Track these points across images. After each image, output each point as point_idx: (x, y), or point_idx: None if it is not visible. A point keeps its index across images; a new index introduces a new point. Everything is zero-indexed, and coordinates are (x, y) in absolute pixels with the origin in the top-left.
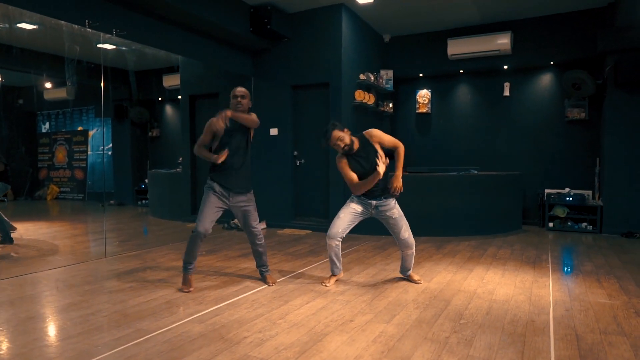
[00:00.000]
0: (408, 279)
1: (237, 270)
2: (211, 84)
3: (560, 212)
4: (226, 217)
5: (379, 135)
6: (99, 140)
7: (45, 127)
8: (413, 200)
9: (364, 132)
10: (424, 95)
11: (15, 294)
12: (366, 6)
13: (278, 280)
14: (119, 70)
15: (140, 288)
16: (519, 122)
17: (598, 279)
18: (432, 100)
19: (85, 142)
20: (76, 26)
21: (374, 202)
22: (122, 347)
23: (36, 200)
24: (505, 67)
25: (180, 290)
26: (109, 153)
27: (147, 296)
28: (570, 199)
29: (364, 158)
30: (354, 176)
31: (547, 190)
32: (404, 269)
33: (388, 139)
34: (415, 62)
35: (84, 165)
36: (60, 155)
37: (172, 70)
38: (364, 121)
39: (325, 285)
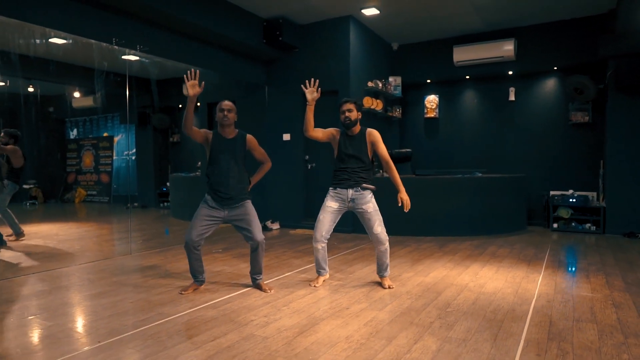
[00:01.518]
0: (380, 283)
1: (248, 266)
2: (227, 93)
3: (564, 213)
4: None
5: (377, 139)
6: (123, 145)
7: (73, 134)
8: (418, 202)
9: (368, 128)
10: (432, 100)
11: (52, 284)
12: (373, 17)
13: (286, 274)
14: (142, 80)
15: (162, 280)
16: (524, 126)
17: (587, 275)
18: (440, 105)
19: (111, 148)
20: (104, 44)
21: (350, 192)
22: (146, 327)
23: (65, 202)
24: (510, 72)
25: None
26: (133, 158)
27: (168, 287)
28: (574, 200)
29: (353, 144)
30: (316, 130)
31: (552, 192)
32: (379, 268)
33: (383, 148)
34: (423, 68)
35: (110, 169)
36: (88, 160)
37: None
38: (373, 126)
39: (315, 286)
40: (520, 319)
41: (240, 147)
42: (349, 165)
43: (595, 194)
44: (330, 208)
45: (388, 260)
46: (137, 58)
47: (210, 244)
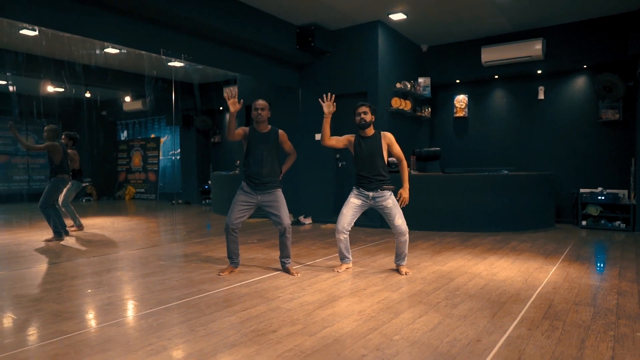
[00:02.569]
0: (398, 270)
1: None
2: (264, 95)
3: (593, 210)
4: None
5: (392, 140)
6: (169, 146)
7: (124, 135)
8: (445, 198)
9: (382, 131)
10: (461, 100)
11: (108, 266)
12: (400, 22)
13: (314, 261)
14: (186, 84)
15: (203, 264)
16: (554, 124)
17: (602, 267)
18: (469, 104)
19: (158, 148)
20: (154, 55)
21: (370, 194)
22: (189, 299)
23: (116, 200)
24: (539, 71)
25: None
26: (177, 157)
27: (208, 269)
28: (603, 197)
29: (368, 145)
30: (331, 138)
31: (581, 190)
32: (398, 256)
33: (397, 148)
34: (452, 69)
35: (156, 168)
36: (137, 159)
37: (233, 82)
38: (402, 126)
39: (338, 271)
40: (522, 302)
41: (274, 140)
42: (367, 167)
43: (625, 191)
44: (354, 204)
45: (407, 251)
46: (182, 64)
47: (247, 236)
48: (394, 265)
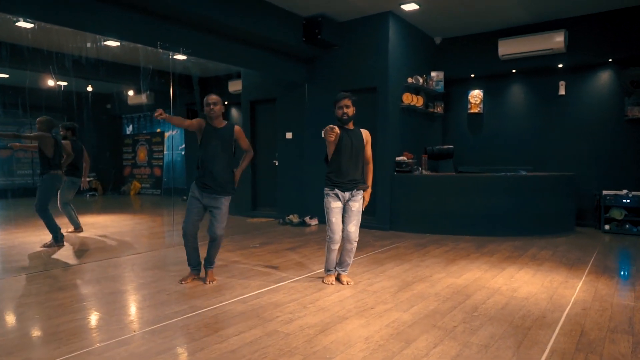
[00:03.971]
0: (338, 278)
1: (283, 262)
2: (269, 90)
3: (617, 214)
4: (281, 213)
5: (369, 141)
6: (178, 140)
7: (129, 129)
8: (459, 200)
9: (361, 128)
10: (476, 95)
11: (101, 274)
12: (413, 12)
13: (317, 271)
14: (187, 78)
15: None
16: (575, 122)
17: (633, 282)
18: (485, 100)
19: (162, 143)
20: (150, 48)
21: (347, 195)
22: (178, 319)
23: (121, 195)
24: (560, 65)
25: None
26: (183, 153)
27: (202, 281)
28: (628, 200)
29: (353, 139)
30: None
31: (604, 192)
32: (341, 264)
33: (370, 150)
34: (467, 63)
35: (161, 163)
36: (142, 154)
37: (237, 76)
38: (413, 123)
39: (331, 284)
40: (550, 327)
41: (228, 136)
42: (348, 164)
43: None
44: (337, 208)
45: (351, 260)
46: (182, 58)
47: (249, 239)
48: (404, 277)
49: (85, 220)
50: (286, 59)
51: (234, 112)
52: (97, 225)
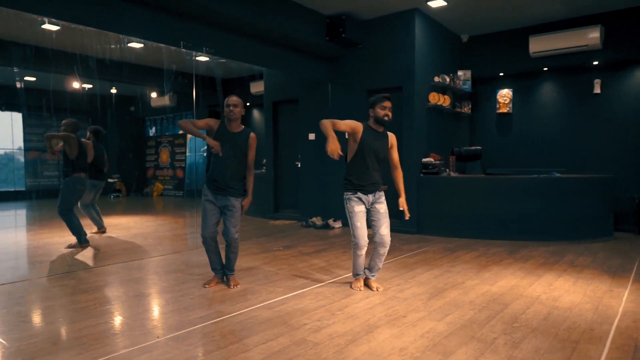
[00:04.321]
0: (367, 284)
1: (308, 265)
2: (291, 91)
3: None
4: (304, 215)
5: (395, 143)
6: (198, 142)
7: (152, 131)
8: (489, 203)
9: (387, 132)
10: (504, 94)
11: (124, 276)
12: (440, 9)
13: (344, 276)
14: (212, 79)
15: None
16: (612, 122)
17: None
18: (514, 99)
19: (185, 145)
20: (173, 47)
21: (370, 198)
22: (203, 324)
23: (144, 196)
24: (595, 62)
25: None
26: (205, 154)
27: (228, 284)
28: None
29: (380, 142)
30: (341, 125)
31: None
32: (371, 268)
33: (397, 153)
34: (495, 61)
35: (184, 165)
36: (164, 156)
37: (259, 77)
38: (439, 123)
39: (360, 289)
40: (599, 341)
41: (243, 142)
42: (373, 167)
43: None
44: (362, 212)
45: (382, 264)
46: (205, 59)
47: (272, 241)
48: (435, 283)
49: (109, 221)
50: (309, 58)
51: (256, 113)
52: (121, 226)
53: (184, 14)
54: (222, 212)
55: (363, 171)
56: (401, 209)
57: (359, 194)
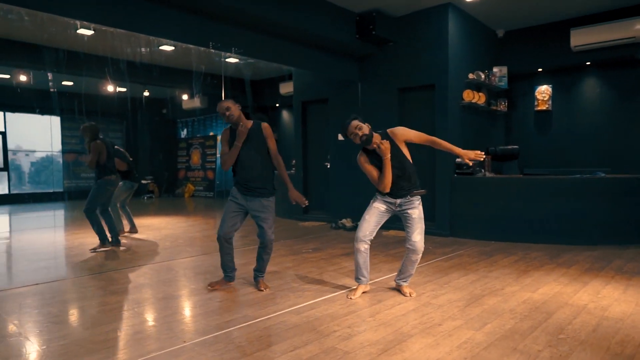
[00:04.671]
0: (399, 289)
1: (338, 268)
2: (320, 90)
3: None
4: (334, 217)
5: (403, 134)
6: None
7: (183, 133)
8: (527, 204)
9: (387, 129)
10: (543, 91)
11: (154, 278)
12: (475, 3)
13: (375, 280)
14: (241, 80)
15: (250, 280)
16: None
17: None
18: (553, 96)
19: (215, 146)
20: (202, 49)
21: (398, 201)
22: (229, 329)
23: (176, 197)
24: None
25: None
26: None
27: (255, 287)
28: None
29: (393, 156)
30: (374, 173)
31: None
32: (401, 274)
33: (416, 135)
34: (533, 56)
35: (214, 166)
36: (195, 157)
37: (288, 78)
38: (474, 122)
39: (351, 298)
40: None
41: (257, 136)
42: (396, 179)
43: None
44: (377, 210)
45: (414, 271)
46: (236, 60)
47: (301, 243)
48: (472, 289)
49: (142, 222)
50: (338, 57)
51: (285, 114)
52: (152, 227)
53: (213, 14)
54: (254, 215)
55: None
56: (472, 157)
57: (387, 197)
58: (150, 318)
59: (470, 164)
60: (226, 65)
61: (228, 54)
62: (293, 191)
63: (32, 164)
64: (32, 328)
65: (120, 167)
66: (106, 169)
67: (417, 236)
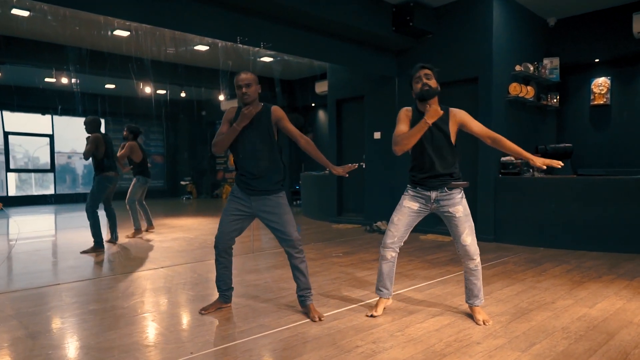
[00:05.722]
0: (471, 314)
1: (366, 275)
2: (356, 88)
3: None
4: (369, 219)
5: (463, 117)
6: None
7: None
8: (582, 208)
9: (450, 107)
10: (601, 84)
11: (174, 280)
12: None
13: (408, 289)
14: (273, 80)
15: (273, 285)
16: None
17: None
18: (612, 89)
19: None
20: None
21: (433, 195)
22: (243, 340)
23: (214, 198)
24: None
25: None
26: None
27: (277, 293)
28: None
29: (437, 135)
30: (404, 128)
31: None
32: (468, 294)
33: (478, 125)
34: (589, 46)
35: None
36: (233, 159)
37: (322, 77)
38: (522, 117)
39: (372, 316)
40: None
41: (267, 120)
42: (429, 156)
43: None
44: (408, 209)
45: (480, 282)
46: (269, 59)
47: (332, 247)
48: (517, 301)
49: (174, 222)
50: (374, 51)
51: (321, 114)
52: (185, 227)
53: (240, 7)
54: (263, 218)
55: (423, 163)
56: (540, 165)
57: (418, 189)
58: (159, 325)
59: (544, 167)
60: (259, 64)
61: (261, 52)
62: (335, 168)
63: (85, 166)
64: (34, 330)
65: (136, 159)
66: (104, 165)
67: (467, 238)
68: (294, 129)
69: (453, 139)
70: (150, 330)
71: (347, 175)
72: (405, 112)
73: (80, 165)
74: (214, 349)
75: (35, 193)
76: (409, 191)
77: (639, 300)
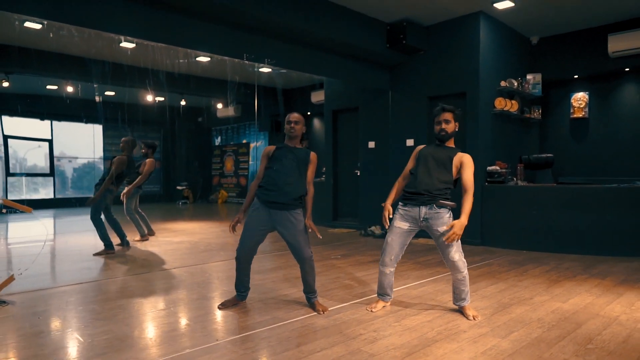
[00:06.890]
0: (461, 311)
1: (364, 275)
2: (351, 99)
3: None
4: (363, 224)
5: (467, 163)
6: (260, 151)
7: (217, 141)
8: (562, 213)
9: (459, 151)
10: (580, 98)
11: (189, 279)
12: (507, 10)
13: (402, 287)
14: (273, 89)
15: (280, 284)
16: None
17: None
18: (590, 103)
19: (248, 154)
20: (236, 60)
21: (422, 211)
22: (260, 329)
23: (210, 203)
24: None
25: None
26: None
27: (286, 290)
28: None
29: (440, 153)
30: (408, 166)
31: None
32: (456, 297)
33: (469, 174)
34: (569, 63)
35: (247, 173)
36: (229, 164)
37: (319, 86)
38: (507, 129)
39: (372, 311)
40: None
41: (305, 156)
42: (426, 177)
43: None
44: (399, 229)
45: (467, 288)
46: (269, 70)
47: (330, 250)
48: (499, 297)
49: (174, 226)
50: (369, 66)
51: (317, 122)
52: (187, 231)
53: (247, 26)
54: (281, 232)
55: (416, 177)
56: (448, 229)
57: (408, 207)
58: (185, 317)
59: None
60: (259, 74)
61: (261, 64)
62: (310, 220)
63: (75, 170)
64: (76, 323)
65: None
66: (112, 181)
67: (455, 255)
68: (312, 175)
69: (454, 172)
70: (178, 321)
71: (310, 230)
72: (418, 150)
73: (70, 168)
74: (236, 337)
75: (26, 197)
76: (399, 210)
77: (608, 296)
